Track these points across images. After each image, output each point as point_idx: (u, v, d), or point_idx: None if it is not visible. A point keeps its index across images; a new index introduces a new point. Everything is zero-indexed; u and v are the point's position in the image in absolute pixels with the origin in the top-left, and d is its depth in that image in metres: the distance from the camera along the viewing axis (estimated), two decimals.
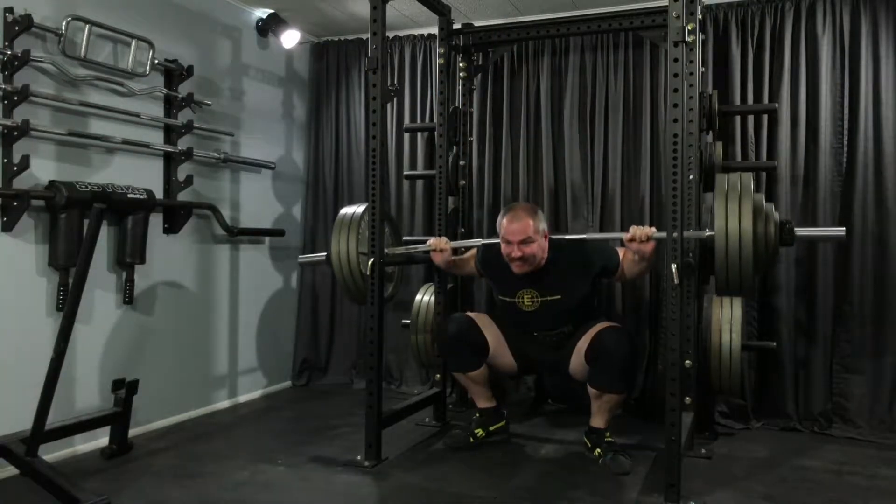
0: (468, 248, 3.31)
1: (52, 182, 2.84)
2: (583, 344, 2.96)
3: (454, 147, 3.75)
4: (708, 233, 2.63)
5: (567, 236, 3.04)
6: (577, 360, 2.99)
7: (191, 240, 3.62)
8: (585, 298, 3.09)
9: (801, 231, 2.67)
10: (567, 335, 3.08)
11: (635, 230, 2.71)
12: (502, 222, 2.95)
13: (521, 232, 2.89)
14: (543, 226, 2.97)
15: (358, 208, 3.24)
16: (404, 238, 4.11)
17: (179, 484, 2.67)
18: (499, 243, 2.97)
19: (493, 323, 3.19)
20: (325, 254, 3.31)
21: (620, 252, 3.00)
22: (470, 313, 3.25)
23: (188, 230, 3.57)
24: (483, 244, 3.18)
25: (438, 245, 3.12)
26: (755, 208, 2.55)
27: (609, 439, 2.93)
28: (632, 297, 3.77)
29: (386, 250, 3.03)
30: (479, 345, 3.10)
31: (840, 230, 2.81)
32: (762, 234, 2.56)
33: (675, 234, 2.46)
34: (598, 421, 2.97)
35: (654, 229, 2.70)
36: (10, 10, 2.71)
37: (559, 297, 3.01)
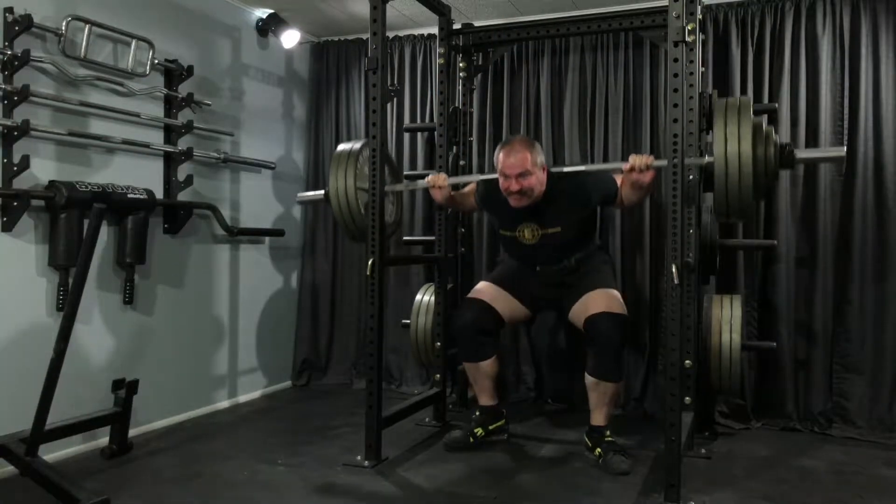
0: (467, 184, 3.29)
1: (52, 182, 2.84)
2: (584, 304, 2.97)
3: (454, 147, 3.74)
4: (708, 159, 2.60)
5: (566, 168, 3.02)
6: (578, 313, 3.01)
7: (191, 240, 3.62)
8: (585, 229, 3.10)
9: (801, 153, 2.62)
10: (570, 270, 3.07)
11: (634, 159, 2.71)
12: (499, 156, 2.93)
13: (519, 165, 2.86)
14: (541, 158, 2.94)
15: (355, 144, 3.23)
16: (404, 238, 4.13)
17: (179, 484, 2.67)
18: (497, 178, 2.96)
19: (499, 287, 3.17)
20: (322, 191, 3.29)
21: (618, 179, 2.98)
22: (481, 286, 3.22)
23: (188, 230, 3.57)
24: (482, 179, 3.18)
25: (437, 181, 3.09)
26: (755, 129, 2.51)
27: (609, 439, 2.93)
28: (632, 297, 3.76)
29: (386, 188, 3.02)
30: (493, 329, 3.14)
31: (840, 150, 2.73)
32: (762, 156, 2.52)
33: (674, 235, 2.46)
34: (598, 418, 2.98)
35: (652, 157, 2.71)
36: (10, 10, 2.71)
37: (559, 229, 3.00)
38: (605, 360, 2.90)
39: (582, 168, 3.10)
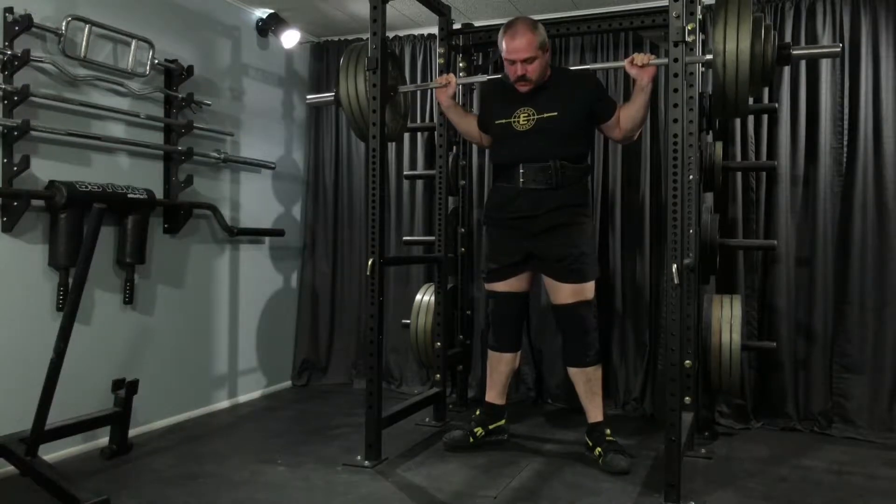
0: (468, 120, 3.32)
1: (52, 182, 2.84)
2: (555, 287, 2.99)
3: (454, 147, 3.75)
4: (707, 57, 2.60)
5: (571, 68, 3.09)
6: (549, 286, 3.05)
7: (191, 240, 3.62)
8: (580, 128, 3.02)
9: (797, 50, 2.65)
10: (553, 180, 2.94)
11: (636, 55, 2.80)
12: (502, 41, 2.93)
13: (525, 49, 2.88)
14: (544, 39, 2.95)
15: (361, 44, 3.22)
16: (404, 238, 4.13)
17: (179, 484, 2.67)
18: (501, 77, 3.03)
19: (502, 279, 3.12)
20: (332, 94, 3.28)
21: (618, 106, 3.05)
22: (491, 284, 3.17)
23: (188, 230, 3.57)
24: (489, 78, 3.27)
25: (445, 79, 3.17)
26: (754, 24, 2.50)
27: (610, 438, 2.93)
28: (632, 297, 3.77)
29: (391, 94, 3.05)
30: (525, 309, 3.26)
31: (836, 46, 2.73)
32: (760, 53, 2.53)
33: (674, 235, 2.46)
34: (593, 413, 2.99)
35: (653, 56, 2.81)
36: (10, 10, 2.71)
37: (556, 113, 2.98)
38: (576, 346, 2.97)
39: (586, 67, 3.21)
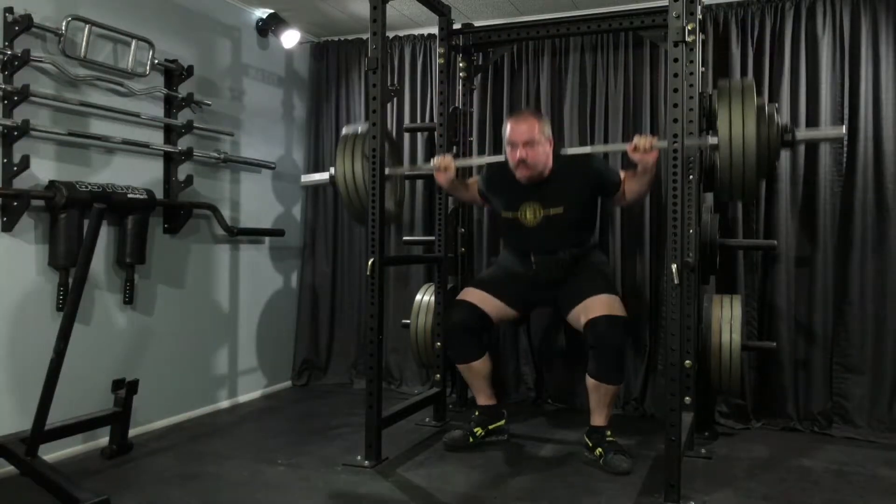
0: (471, 173, 3.30)
1: (52, 182, 2.84)
2: (584, 308, 2.95)
3: (454, 147, 3.74)
4: (711, 140, 2.61)
5: (572, 150, 3.04)
6: (577, 314, 2.99)
7: (191, 240, 3.62)
8: (586, 214, 3.10)
9: (801, 133, 2.67)
10: (566, 265, 3.04)
11: (638, 139, 2.75)
12: (507, 125, 2.96)
13: (527, 132, 2.90)
14: (548, 131, 2.98)
15: (360, 126, 3.23)
16: (404, 238, 4.13)
17: (179, 484, 2.67)
18: (503, 162, 2.99)
19: (483, 291, 3.15)
20: (328, 173, 3.28)
21: (622, 174, 3.04)
22: (466, 291, 3.22)
23: (188, 230, 3.57)
24: (486, 165, 3.21)
25: (443, 164, 3.10)
26: (758, 110, 2.54)
27: (610, 439, 2.93)
28: (632, 297, 3.76)
29: (387, 171, 3.02)
30: (481, 328, 3.12)
31: (839, 130, 2.78)
32: (765, 136, 2.55)
33: (674, 235, 2.46)
34: (598, 418, 2.98)
35: (656, 138, 2.75)
36: (10, 10, 2.71)
37: (561, 209, 3.01)
38: (607, 362, 2.89)
39: (588, 149, 3.12)
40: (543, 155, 2.96)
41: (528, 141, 2.90)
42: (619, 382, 2.98)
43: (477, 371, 3.16)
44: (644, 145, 2.73)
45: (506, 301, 3.16)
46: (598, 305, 2.94)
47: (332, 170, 3.31)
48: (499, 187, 3.17)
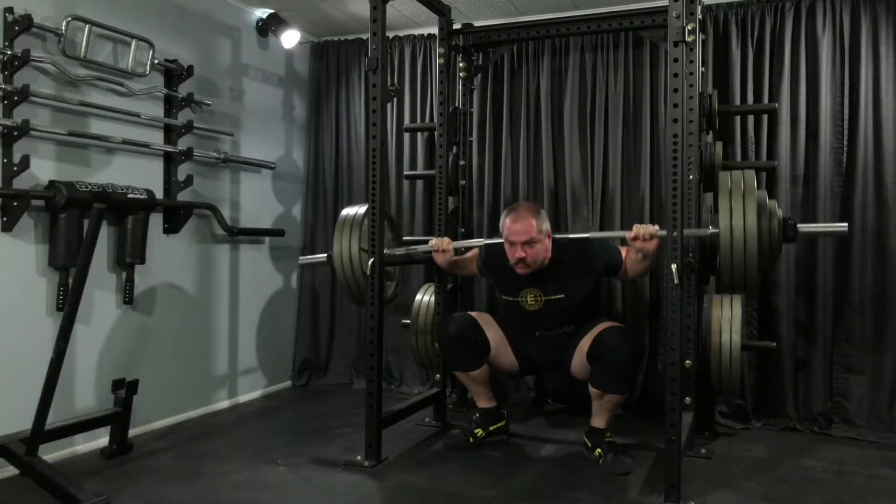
0: (470, 249, 3.30)
1: (52, 182, 2.84)
2: (585, 343, 2.96)
3: (454, 147, 3.74)
4: (711, 230, 2.63)
5: (570, 235, 3.04)
6: (579, 359, 2.99)
7: (191, 240, 3.62)
8: (589, 297, 3.10)
9: (803, 227, 2.68)
10: (570, 335, 3.08)
11: (638, 229, 2.72)
12: (505, 223, 2.95)
13: (525, 233, 2.89)
14: (547, 226, 2.97)
15: (359, 209, 3.23)
16: (404, 238, 4.12)
17: (179, 484, 2.67)
18: (501, 243, 2.98)
19: (494, 322, 3.19)
20: (326, 255, 3.30)
21: (623, 251, 3.01)
22: (471, 312, 3.25)
23: (188, 230, 3.57)
24: (485, 244, 3.17)
25: (440, 245, 3.12)
26: (759, 205, 2.55)
27: (610, 439, 2.93)
28: (632, 297, 3.77)
29: (386, 251, 3.02)
30: (481, 344, 3.10)
31: (842, 226, 2.82)
32: (766, 230, 2.56)
33: (675, 234, 2.46)
34: (598, 421, 2.97)
35: (657, 227, 2.71)
36: (10, 10, 2.71)
37: (563, 296, 3.02)
38: (613, 371, 2.86)
39: (586, 235, 3.11)
40: (543, 251, 2.94)
41: (527, 241, 2.88)
42: (624, 392, 2.94)
43: (475, 378, 3.16)
44: (644, 234, 2.70)
45: (512, 346, 3.16)
46: (600, 326, 2.96)
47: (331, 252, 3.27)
48: (498, 272, 3.14)
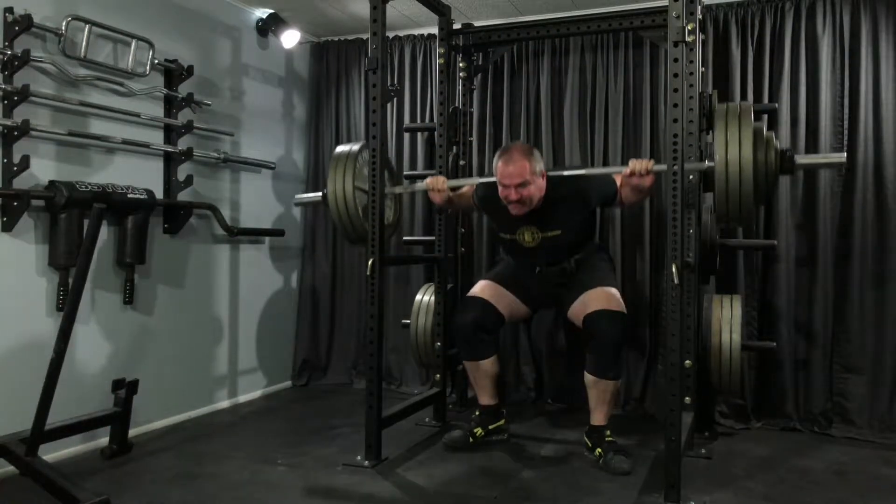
0: (465, 189, 3.28)
1: (52, 182, 2.84)
2: (583, 303, 2.97)
3: (454, 147, 3.75)
4: (708, 164, 2.60)
5: (565, 172, 2.99)
6: (577, 310, 3.01)
7: (191, 240, 3.62)
8: (585, 231, 3.12)
9: (801, 159, 2.62)
10: (570, 272, 3.09)
11: (634, 164, 2.69)
12: (498, 165, 2.90)
13: (518, 175, 2.84)
14: (540, 166, 2.92)
15: (354, 146, 3.21)
16: (404, 238, 4.13)
17: (179, 484, 2.67)
18: (496, 182, 2.94)
19: (499, 287, 3.18)
20: (320, 193, 3.26)
21: (617, 179, 2.96)
22: (481, 284, 3.23)
23: (188, 230, 3.57)
24: (481, 183, 3.15)
25: (436, 185, 3.07)
26: (755, 136, 2.50)
27: (610, 439, 2.93)
28: (632, 297, 3.76)
29: (385, 190, 3.02)
30: (494, 327, 3.15)
31: (841, 156, 2.74)
32: (763, 162, 2.51)
33: (674, 235, 2.46)
34: (597, 417, 2.98)
35: (652, 162, 2.69)
36: (10, 10, 2.71)
37: (559, 232, 3.01)
38: (604, 357, 2.90)
39: (581, 172, 3.04)
40: (536, 191, 2.90)
41: (520, 183, 2.85)
42: (616, 378, 2.98)
43: (485, 370, 3.16)
44: (640, 169, 2.67)
45: (519, 296, 3.19)
46: (597, 300, 2.95)
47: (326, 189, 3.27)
48: (494, 210, 3.12)
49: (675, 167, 2.49)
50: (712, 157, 2.54)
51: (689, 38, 2.61)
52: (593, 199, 3.02)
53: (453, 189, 3.19)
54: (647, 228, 3.74)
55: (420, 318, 3.64)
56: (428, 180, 3.10)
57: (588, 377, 2.95)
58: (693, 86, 2.93)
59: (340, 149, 3.23)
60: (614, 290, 3.03)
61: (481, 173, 4.07)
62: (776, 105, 3.43)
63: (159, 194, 3.34)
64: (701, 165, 2.68)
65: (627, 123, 3.79)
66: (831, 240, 3.42)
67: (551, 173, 2.97)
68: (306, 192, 4.51)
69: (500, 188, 2.90)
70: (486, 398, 3.22)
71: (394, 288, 4.24)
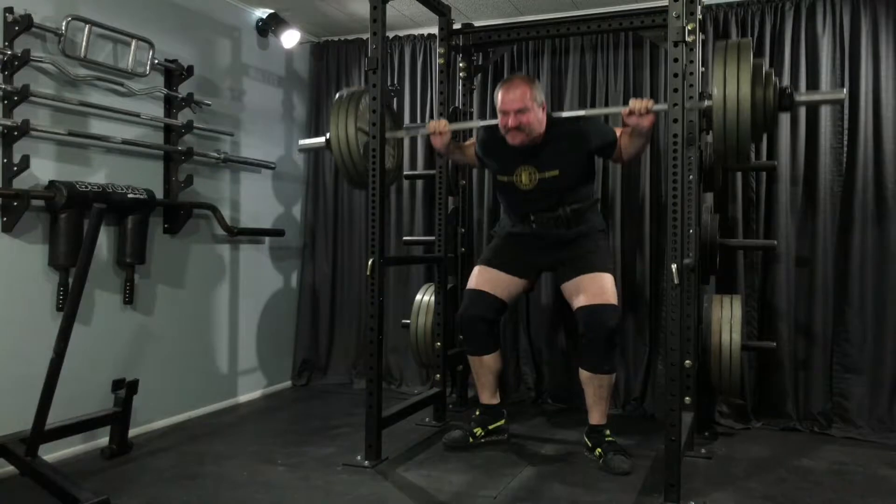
0: (468, 142, 3.30)
1: (52, 182, 2.84)
2: (576, 288, 2.97)
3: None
4: (706, 103, 2.58)
5: (564, 114, 3.01)
6: (570, 292, 3.01)
7: (191, 240, 3.62)
8: (583, 177, 3.07)
9: (800, 96, 2.60)
10: (566, 220, 3.03)
11: (634, 103, 2.71)
12: (498, 94, 2.91)
13: (518, 100, 2.85)
14: (541, 97, 2.92)
15: (355, 88, 3.21)
16: (404, 238, 4.13)
17: (179, 484, 2.67)
18: (496, 125, 2.95)
19: (492, 268, 3.17)
20: (324, 138, 3.25)
21: (617, 131, 2.98)
22: (477, 273, 3.21)
23: (188, 230, 3.57)
24: (482, 125, 3.17)
25: (437, 128, 3.08)
26: (754, 73, 2.47)
27: (609, 439, 2.93)
28: (632, 298, 3.77)
29: (386, 134, 3.02)
30: (497, 318, 3.16)
31: (840, 92, 2.71)
32: (761, 99, 2.49)
33: (674, 235, 2.46)
34: (596, 416, 2.98)
35: (652, 101, 2.70)
36: (10, 10, 2.71)
37: (557, 172, 2.98)
38: (597, 352, 2.90)
39: (582, 113, 3.07)
40: (536, 121, 2.90)
41: (520, 109, 2.85)
42: (610, 372, 2.97)
43: (488, 366, 3.16)
44: (639, 108, 2.69)
45: (515, 272, 3.17)
46: (590, 290, 2.93)
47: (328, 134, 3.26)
48: (494, 151, 3.12)
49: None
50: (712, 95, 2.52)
51: (689, 38, 2.61)
52: (593, 141, 3.00)
53: (455, 137, 3.21)
54: (647, 228, 3.74)
55: (420, 318, 3.64)
56: (430, 123, 3.11)
57: (583, 374, 2.96)
58: (693, 86, 2.93)
59: (341, 92, 3.24)
60: (608, 278, 2.99)
61: (481, 173, 4.07)
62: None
63: (159, 194, 3.34)
64: (701, 104, 2.69)
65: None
66: (831, 240, 3.42)
67: (553, 114, 2.98)
68: (306, 192, 4.51)
69: (500, 116, 2.92)
70: (487, 396, 3.22)
71: (394, 288, 4.24)
